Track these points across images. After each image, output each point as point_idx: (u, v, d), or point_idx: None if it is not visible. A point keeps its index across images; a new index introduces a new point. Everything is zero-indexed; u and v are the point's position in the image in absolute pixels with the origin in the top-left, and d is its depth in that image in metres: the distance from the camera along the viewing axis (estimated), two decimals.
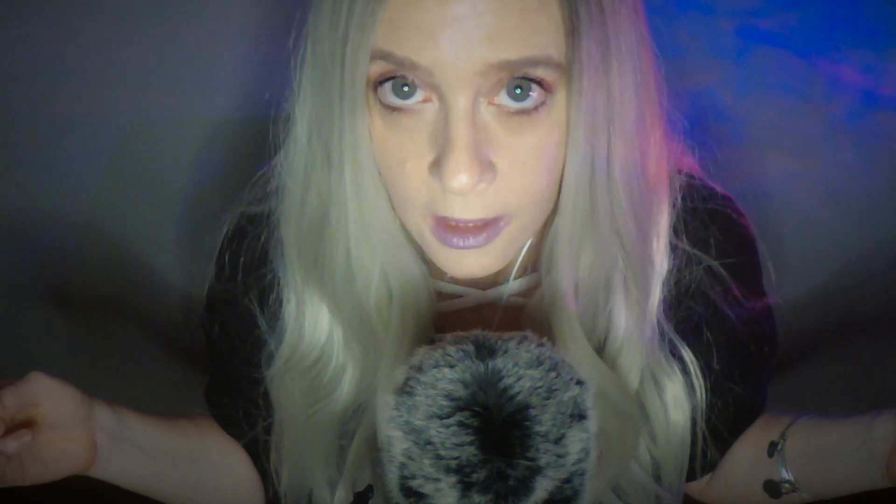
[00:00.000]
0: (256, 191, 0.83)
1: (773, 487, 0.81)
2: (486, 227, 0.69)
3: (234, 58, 1.09)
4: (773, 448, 0.81)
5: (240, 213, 0.85)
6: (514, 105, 0.65)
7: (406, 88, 0.65)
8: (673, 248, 0.79)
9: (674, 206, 0.78)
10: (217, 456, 0.89)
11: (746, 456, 0.84)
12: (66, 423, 0.74)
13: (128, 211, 1.20)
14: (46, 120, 1.13)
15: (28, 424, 0.71)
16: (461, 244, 0.69)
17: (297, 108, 0.72)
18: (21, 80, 1.10)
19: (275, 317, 0.83)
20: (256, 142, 0.78)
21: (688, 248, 0.79)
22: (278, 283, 0.82)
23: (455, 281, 0.80)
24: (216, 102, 1.12)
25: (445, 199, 0.67)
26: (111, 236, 1.22)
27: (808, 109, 1.10)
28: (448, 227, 0.69)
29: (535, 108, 0.65)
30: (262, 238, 0.82)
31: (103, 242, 1.22)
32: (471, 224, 0.68)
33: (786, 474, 0.80)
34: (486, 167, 0.65)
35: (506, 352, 0.66)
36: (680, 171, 0.79)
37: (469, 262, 0.70)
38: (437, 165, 0.65)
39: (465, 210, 0.67)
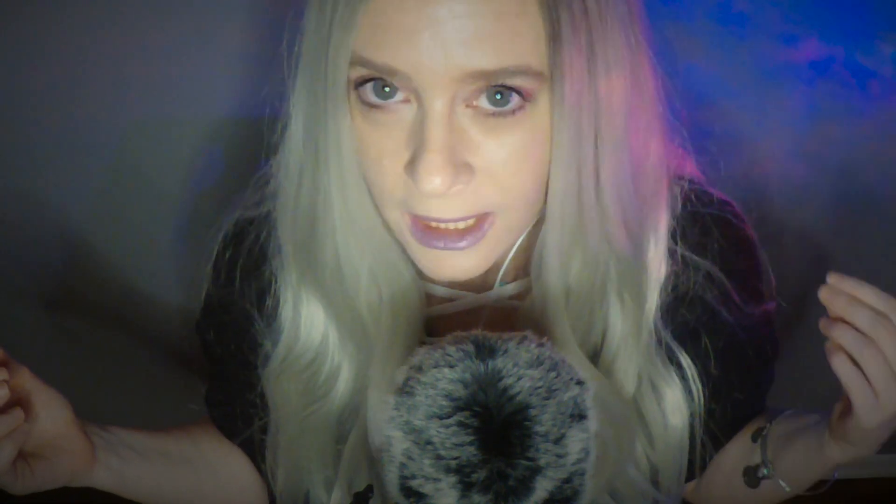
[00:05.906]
0: (255, 194, 0.83)
1: (751, 473, 0.81)
2: (470, 231, 0.69)
3: (231, 59, 1.09)
4: (758, 433, 0.81)
5: (237, 216, 0.85)
6: (491, 108, 0.65)
7: (387, 90, 0.66)
8: (671, 254, 0.78)
9: (673, 213, 0.78)
10: (215, 458, 0.89)
11: (731, 450, 0.84)
12: (52, 418, 0.74)
13: (124, 214, 1.20)
14: (40, 125, 1.13)
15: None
16: (441, 245, 0.69)
17: (291, 106, 0.73)
18: (15, 84, 1.10)
19: (272, 317, 0.83)
20: (254, 144, 0.79)
21: (686, 253, 0.79)
22: (276, 283, 0.82)
23: (447, 284, 0.80)
24: (213, 105, 1.12)
25: (421, 198, 0.67)
26: (107, 240, 1.22)
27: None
28: (428, 228, 0.69)
29: (513, 112, 0.65)
30: (261, 239, 0.82)
31: (99, 246, 1.22)
32: (451, 225, 0.68)
33: (764, 456, 0.80)
34: (461, 169, 0.65)
35: (506, 352, 0.66)
36: (682, 177, 0.79)
37: (449, 263, 0.70)
38: (411, 165, 0.66)
39: (443, 210, 0.67)
